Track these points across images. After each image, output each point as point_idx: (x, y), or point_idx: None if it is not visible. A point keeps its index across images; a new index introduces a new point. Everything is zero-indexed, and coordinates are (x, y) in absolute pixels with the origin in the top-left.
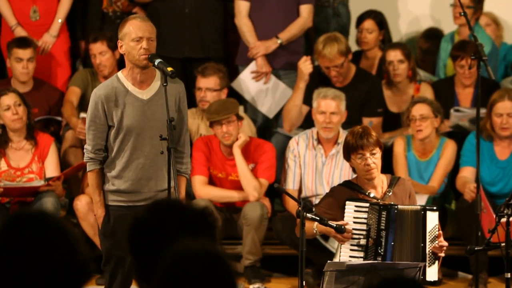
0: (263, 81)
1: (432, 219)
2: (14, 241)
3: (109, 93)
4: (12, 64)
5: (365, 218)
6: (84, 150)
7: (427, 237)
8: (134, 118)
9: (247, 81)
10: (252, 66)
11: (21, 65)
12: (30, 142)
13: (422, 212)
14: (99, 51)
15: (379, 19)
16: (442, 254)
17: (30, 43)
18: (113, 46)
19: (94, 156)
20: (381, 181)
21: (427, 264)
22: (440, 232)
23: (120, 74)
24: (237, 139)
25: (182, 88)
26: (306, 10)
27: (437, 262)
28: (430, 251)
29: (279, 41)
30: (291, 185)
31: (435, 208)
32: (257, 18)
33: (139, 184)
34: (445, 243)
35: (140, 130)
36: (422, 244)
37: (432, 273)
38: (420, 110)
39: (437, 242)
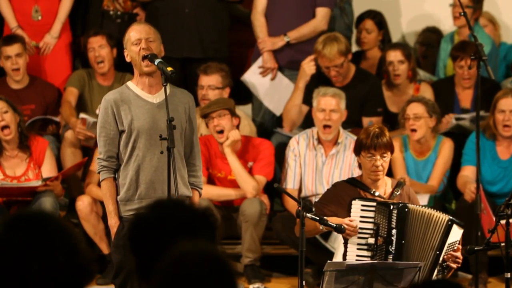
0: (270, 77)
1: (456, 233)
2: (17, 242)
3: (118, 97)
4: (3, 64)
5: (372, 217)
6: (96, 160)
7: (445, 247)
8: (145, 120)
9: (255, 76)
10: (259, 62)
11: (10, 62)
12: (23, 151)
13: (449, 223)
14: (98, 44)
15: (378, 19)
16: (454, 266)
17: (16, 39)
18: (112, 44)
19: (107, 164)
20: (384, 183)
21: (435, 272)
22: (459, 247)
23: (129, 82)
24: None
25: (192, 99)
26: (321, 13)
27: (443, 273)
28: (444, 261)
29: (286, 39)
30: (291, 184)
31: (462, 224)
32: (272, 15)
33: (153, 187)
34: (460, 256)
35: (151, 132)
36: (437, 252)
37: None
38: (414, 109)
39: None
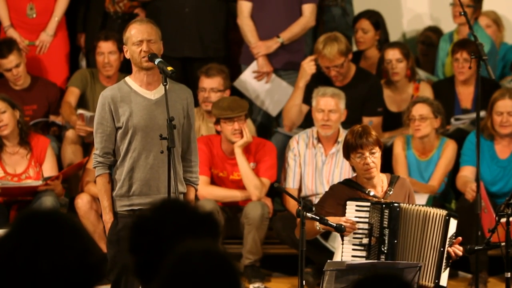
0: (265, 80)
1: (453, 225)
2: (27, 241)
3: (116, 93)
4: (4, 73)
5: (366, 218)
6: (93, 155)
7: (447, 243)
8: (142, 117)
9: (249, 81)
10: (253, 66)
11: (10, 73)
12: (24, 147)
13: (447, 218)
14: (109, 50)
15: (375, 19)
16: (457, 254)
17: (9, 48)
18: (120, 48)
19: (102, 160)
20: (380, 180)
21: (442, 268)
22: (460, 238)
23: (127, 78)
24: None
25: (190, 95)
26: (308, 10)
27: (448, 268)
28: (448, 255)
29: (280, 41)
30: (291, 184)
31: (457, 215)
32: (259, 18)
33: (148, 185)
34: (460, 247)
35: (148, 130)
36: (442, 249)
37: (445, 278)
38: (419, 110)
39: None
